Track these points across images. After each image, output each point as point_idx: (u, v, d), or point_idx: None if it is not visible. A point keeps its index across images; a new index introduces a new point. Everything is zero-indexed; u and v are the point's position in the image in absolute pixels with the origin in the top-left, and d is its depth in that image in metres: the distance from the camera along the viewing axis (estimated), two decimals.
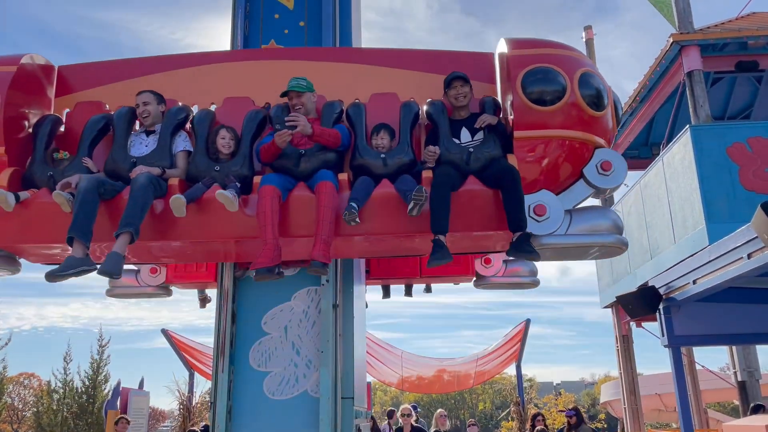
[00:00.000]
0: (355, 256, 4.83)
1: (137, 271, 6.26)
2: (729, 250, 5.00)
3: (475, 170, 4.09)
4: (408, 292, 6.98)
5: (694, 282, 5.79)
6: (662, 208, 9.54)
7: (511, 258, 6.23)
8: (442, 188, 3.91)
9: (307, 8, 5.35)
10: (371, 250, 4.54)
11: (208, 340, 16.08)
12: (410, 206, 3.82)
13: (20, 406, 34.45)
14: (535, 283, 6.50)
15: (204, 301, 6.95)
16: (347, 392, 4.58)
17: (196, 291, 6.91)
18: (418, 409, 10.41)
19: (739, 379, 9.14)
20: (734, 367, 9.21)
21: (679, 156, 8.94)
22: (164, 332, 14.63)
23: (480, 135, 4.22)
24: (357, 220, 3.85)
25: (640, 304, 6.75)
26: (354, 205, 3.86)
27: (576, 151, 4.07)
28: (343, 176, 4.13)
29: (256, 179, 4.09)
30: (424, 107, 4.47)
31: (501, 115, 4.33)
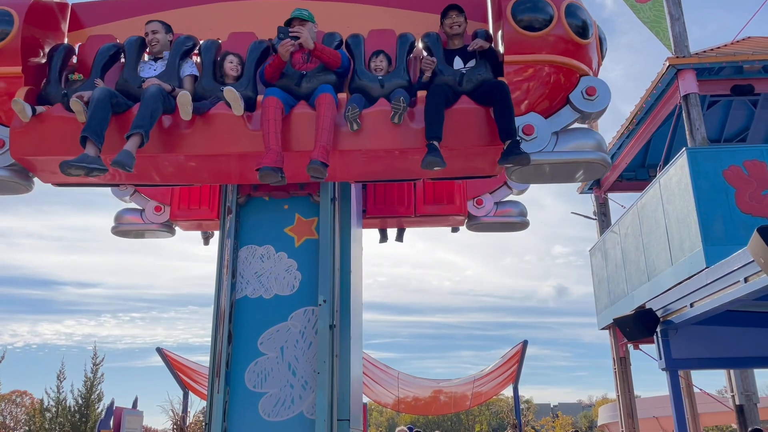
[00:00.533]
0: (352, 177, 5.01)
1: (142, 210, 6.49)
2: (726, 273, 5.01)
3: (467, 91, 4.41)
4: (399, 236, 7.17)
5: (692, 305, 5.80)
6: (659, 230, 9.56)
7: (503, 200, 6.67)
8: (436, 98, 4.21)
9: None
10: (367, 169, 4.72)
11: (203, 359, 15.99)
12: (392, 114, 4.13)
13: (12, 425, 34.07)
14: (524, 224, 6.77)
15: (207, 238, 7.11)
16: (343, 414, 4.55)
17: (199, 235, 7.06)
18: (414, 430, 10.32)
19: (737, 402, 9.07)
20: (732, 391, 9.15)
21: (675, 178, 8.99)
22: (159, 351, 14.55)
23: (473, 62, 4.54)
24: (358, 120, 4.16)
25: (637, 326, 6.75)
26: (355, 104, 4.17)
27: (563, 76, 4.35)
28: (342, 95, 4.43)
29: (260, 98, 4.35)
30: (420, 41, 4.78)
31: (492, 46, 4.61)
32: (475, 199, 6.57)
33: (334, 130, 4.20)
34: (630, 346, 13.82)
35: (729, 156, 8.89)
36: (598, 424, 29.19)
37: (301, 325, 4.75)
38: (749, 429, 8.30)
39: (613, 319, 7.91)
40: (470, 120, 4.28)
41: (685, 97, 9.65)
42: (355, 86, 4.54)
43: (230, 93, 4.16)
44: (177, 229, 6.63)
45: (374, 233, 7.28)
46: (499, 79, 4.32)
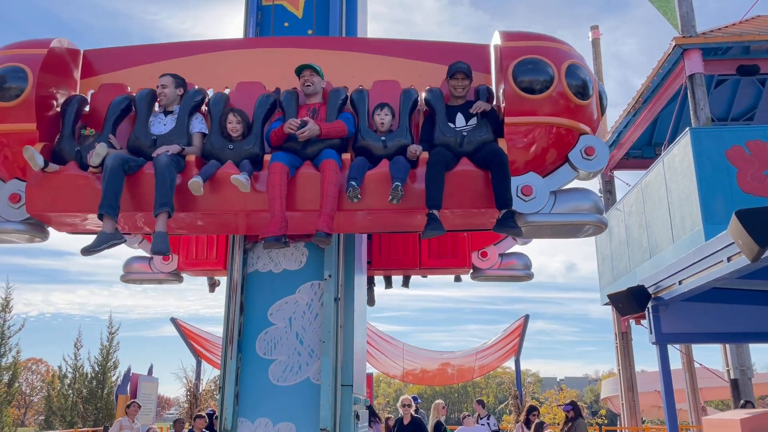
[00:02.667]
0: (357, 230, 5.15)
1: (150, 259, 6.58)
2: (711, 253, 5.21)
3: (468, 152, 4.39)
4: (405, 283, 7.31)
5: (680, 282, 6.01)
6: (662, 208, 9.71)
7: (507, 251, 6.63)
8: (437, 167, 4.24)
9: (315, 17, 5.62)
10: (371, 225, 4.85)
11: (213, 329, 16.40)
12: (390, 197, 4.18)
13: (28, 391, 34.92)
14: (528, 276, 6.76)
15: (213, 285, 7.26)
16: (347, 380, 4.83)
17: (205, 278, 7.22)
18: (419, 401, 10.66)
19: (732, 377, 9.34)
20: (727, 366, 9.42)
21: (679, 158, 9.12)
22: (173, 321, 14.95)
23: (474, 120, 4.53)
24: (359, 196, 4.21)
25: (629, 302, 6.98)
26: (353, 183, 4.21)
27: (562, 137, 4.37)
28: (346, 156, 4.47)
29: (266, 157, 4.44)
30: (423, 94, 4.78)
31: (494, 103, 4.64)
32: (480, 252, 6.51)
33: (338, 196, 4.28)
34: (632, 322, 14.08)
35: (732, 136, 8.99)
36: (602, 397, 29.61)
37: (308, 298, 4.98)
38: (740, 401, 8.59)
39: (607, 296, 8.15)
40: (470, 183, 4.30)
41: (691, 77, 9.71)
42: (358, 146, 4.56)
43: (237, 181, 4.24)
44: (184, 276, 6.75)
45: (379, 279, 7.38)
46: (499, 141, 4.35)
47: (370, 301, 7.19)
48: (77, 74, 4.94)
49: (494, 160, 4.21)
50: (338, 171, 4.32)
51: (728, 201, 8.46)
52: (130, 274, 6.69)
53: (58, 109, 4.66)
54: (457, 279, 7.19)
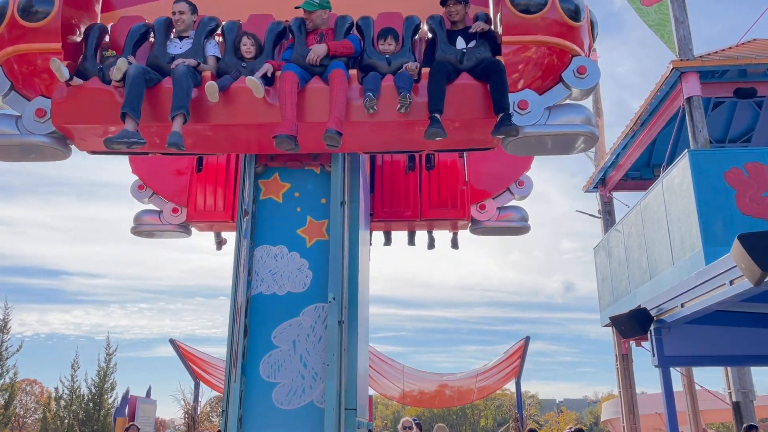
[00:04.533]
0: (361, 148, 5.43)
1: (160, 212, 6.87)
2: (713, 276, 5.24)
3: (467, 68, 4.79)
4: (411, 240, 7.41)
5: (683, 305, 6.02)
6: (661, 229, 9.73)
7: (505, 205, 7.00)
8: (438, 75, 4.61)
9: None
10: (375, 141, 5.13)
11: (210, 350, 16.31)
12: (399, 106, 4.51)
13: (22, 413, 34.54)
14: (525, 228, 7.06)
15: (220, 243, 7.38)
16: (350, 403, 4.81)
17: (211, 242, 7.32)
18: (418, 422, 10.59)
19: (734, 399, 9.30)
20: (729, 388, 9.37)
21: (678, 179, 9.16)
22: (172, 342, 14.87)
23: (473, 42, 4.92)
24: (375, 107, 4.52)
25: (631, 325, 6.99)
26: (370, 94, 4.53)
27: (556, 56, 4.74)
28: (353, 71, 4.81)
29: (278, 74, 4.74)
30: (425, 22, 5.16)
31: (491, 27, 5.00)
32: (479, 204, 6.87)
33: (346, 103, 4.61)
34: (632, 343, 14.03)
35: (730, 158, 9.05)
36: (602, 419, 29.38)
37: (312, 321, 5.00)
38: (744, 425, 8.53)
39: (609, 318, 8.14)
40: (469, 95, 4.67)
41: (689, 99, 9.80)
42: (364, 64, 4.93)
43: (251, 82, 4.57)
44: (193, 230, 6.94)
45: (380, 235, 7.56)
46: (497, 57, 4.72)
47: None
48: (98, 8, 5.36)
49: (492, 69, 4.58)
50: (346, 81, 4.64)
51: (727, 223, 8.48)
52: (141, 226, 6.93)
53: (81, 35, 5.03)
54: (454, 245, 7.36)
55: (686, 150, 9.06)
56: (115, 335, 34.25)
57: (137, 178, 7.00)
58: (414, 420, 10.76)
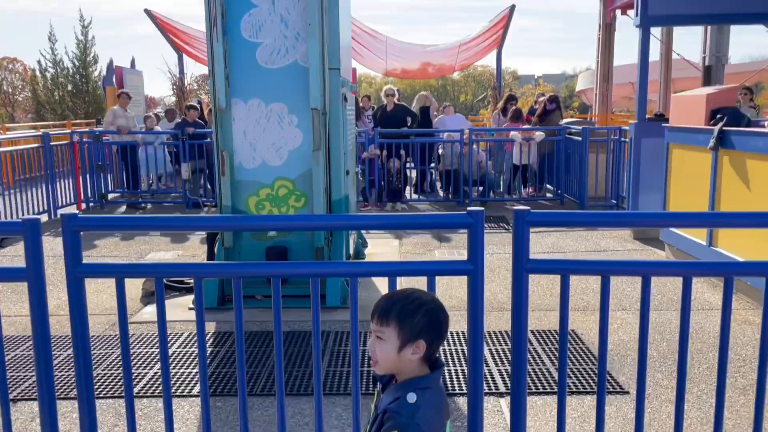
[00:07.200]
0: None
1: None
2: None
3: None
4: None
5: None
6: None
7: None
8: None
9: None
10: None
11: (190, 25, 15.85)
12: None
13: (9, 90, 34.88)
14: None
15: None
16: (334, 63, 4.92)
17: None
18: (400, 91, 11.01)
19: (707, 64, 9.55)
20: (704, 53, 9.56)
21: None
22: (148, 12, 14.33)
23: None
24: None
25: None
26: None
27: None
28: None
29: None
30: None
31: None
32: None
33: None
34: (618, 12, 13.84)
35: None
36: (576, 90, 30.54)
37: None
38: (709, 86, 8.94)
39: None
40: None
41: None
42: None
43: None
44: None
45: None
46: None
47: None
48: None
49: None
50: None
51: None
52: None
53: None
54: None
55: None
56: (89, 10, 32.56)
57: None
58: (396, 89, 11.15)
